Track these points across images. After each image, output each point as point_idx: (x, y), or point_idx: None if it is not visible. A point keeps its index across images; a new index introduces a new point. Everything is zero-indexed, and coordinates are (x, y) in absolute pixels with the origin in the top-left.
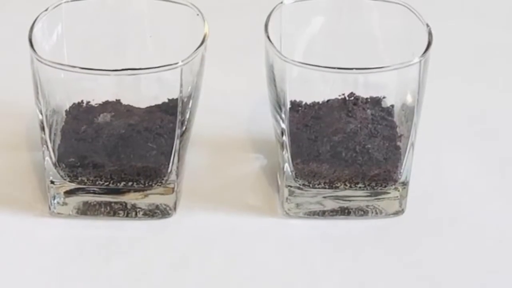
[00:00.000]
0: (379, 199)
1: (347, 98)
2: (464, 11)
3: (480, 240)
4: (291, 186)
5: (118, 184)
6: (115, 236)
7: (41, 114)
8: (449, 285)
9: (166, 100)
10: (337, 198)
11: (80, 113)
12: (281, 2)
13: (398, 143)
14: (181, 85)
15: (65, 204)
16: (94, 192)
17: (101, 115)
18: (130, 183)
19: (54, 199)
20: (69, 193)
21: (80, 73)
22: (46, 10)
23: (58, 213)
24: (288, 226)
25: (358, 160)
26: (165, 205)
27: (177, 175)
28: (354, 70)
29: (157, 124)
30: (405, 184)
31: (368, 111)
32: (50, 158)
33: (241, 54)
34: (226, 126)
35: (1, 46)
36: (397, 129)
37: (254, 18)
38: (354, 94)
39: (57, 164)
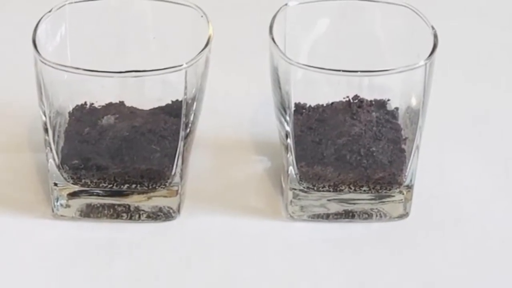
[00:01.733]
0: (383, 202)
1: (351, 100)
2: (467, 11)
3: (485, 243)
4: (295, 189)
5: (122, 186)
6: (118, 238)
7: (45, 115)
8: None
9: (170, 102)
10: (341, 201)
11: (84, 115)
12: (286, 4)
13: (403, 146)
14: (185, 87)
15: (68, 206)
16: (98, 195)
17: (105, 117)
18: (133, 186)
19: (57, 201)
20: (72, 195)
21: (84, 74)
22: (49, 11)
23: (61, 215)
24: (292, 229)
25: (363, 163)
26: (168, 207)
27: (181, 178)
28: (359, 72)
29: (161, 126)
30: (409, 187)
31: (373, 114)
32: (54, 160)
33: (245, 56)
34: (229, 128)
35: (4, 47)
36: (402, 132)
37: (258, 20)
38: (358, 96)
39: (60, 166)
